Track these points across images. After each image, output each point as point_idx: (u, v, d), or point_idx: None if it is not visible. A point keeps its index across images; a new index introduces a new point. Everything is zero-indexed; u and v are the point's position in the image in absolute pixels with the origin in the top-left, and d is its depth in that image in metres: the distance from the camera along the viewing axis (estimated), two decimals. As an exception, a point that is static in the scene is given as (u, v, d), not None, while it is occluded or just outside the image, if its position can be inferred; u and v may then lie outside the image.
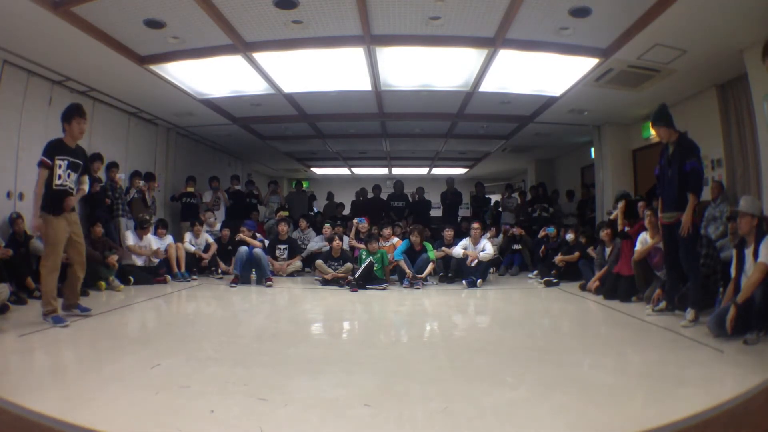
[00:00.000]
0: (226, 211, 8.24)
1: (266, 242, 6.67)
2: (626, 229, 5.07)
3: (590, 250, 5.76)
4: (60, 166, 3.42)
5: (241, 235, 6.18)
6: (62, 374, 2.45)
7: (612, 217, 5.40)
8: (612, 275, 4.84)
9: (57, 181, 3.41)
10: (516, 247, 7.20)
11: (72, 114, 3.53)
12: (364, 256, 5.78)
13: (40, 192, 3.37)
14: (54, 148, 3.43)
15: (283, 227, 6.71)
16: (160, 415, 1.86)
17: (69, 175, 3.49)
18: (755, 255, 3.06)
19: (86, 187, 3.82)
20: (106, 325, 3.53)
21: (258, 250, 5.88)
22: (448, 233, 6.44)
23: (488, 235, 6.71)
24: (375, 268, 5.70)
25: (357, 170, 13.51)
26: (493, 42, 4.69)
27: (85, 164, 3.71)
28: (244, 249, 5.85)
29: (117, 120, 6.79)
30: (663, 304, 3.87)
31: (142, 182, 6.65)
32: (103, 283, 5.02)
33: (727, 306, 3.02)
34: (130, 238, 5.76)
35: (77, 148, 3.62)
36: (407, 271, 5.74)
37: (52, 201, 3.41)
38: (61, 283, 3.57)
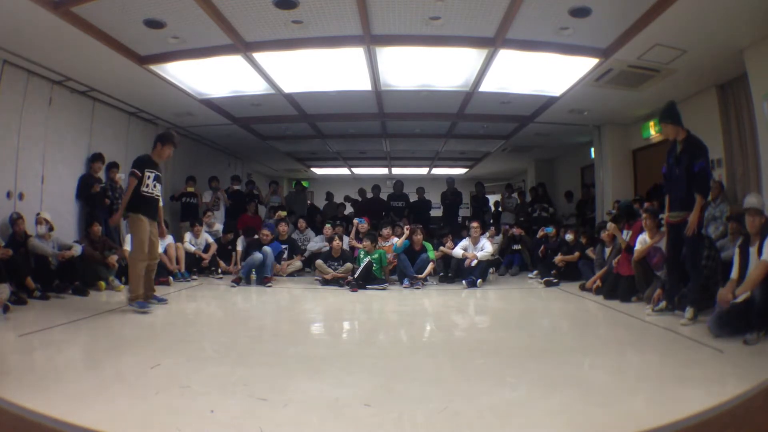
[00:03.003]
0: (225, 212, 8.24)
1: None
2: (625, 232, 5.05)
3: (589, 251, 5.75)
4: (149, 177, 4.11)
5: (264, 237, 6.17)
6: (62, 374, 2.44)
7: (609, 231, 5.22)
8: (612, 275, 4.84)
9: (145, 189, 4.09)
10: (516, 247, 7.20)
11: (170, 140, 4.30)
12: (362, 256, 5.79)
13: (128, 197, 4.06)
14: (145, 163, 4.15)
15: (283, 227, 6.71)
16: (160, 415, 1.86)
17: (155, 186, 4.17)
18: (760, 253, 3.05)
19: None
20: (106, 325, 3.54)
21: (267, 248, 5.89)
22: (449, 244, 6.40)
23: (488, 234, 6.71)
24: (373, 268, 5.70)
25: (357, 170, 13.49)
26: (493, 42, 4.69)
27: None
28: (258, 256, 5.79)
29: (117, 120, 6.78)
30: (663, 304, 3.86)
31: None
32: (102, 283, 5.02)
33: (728, 306, 3.01)
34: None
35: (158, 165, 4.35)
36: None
37: (140, 204, 4.05)
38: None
